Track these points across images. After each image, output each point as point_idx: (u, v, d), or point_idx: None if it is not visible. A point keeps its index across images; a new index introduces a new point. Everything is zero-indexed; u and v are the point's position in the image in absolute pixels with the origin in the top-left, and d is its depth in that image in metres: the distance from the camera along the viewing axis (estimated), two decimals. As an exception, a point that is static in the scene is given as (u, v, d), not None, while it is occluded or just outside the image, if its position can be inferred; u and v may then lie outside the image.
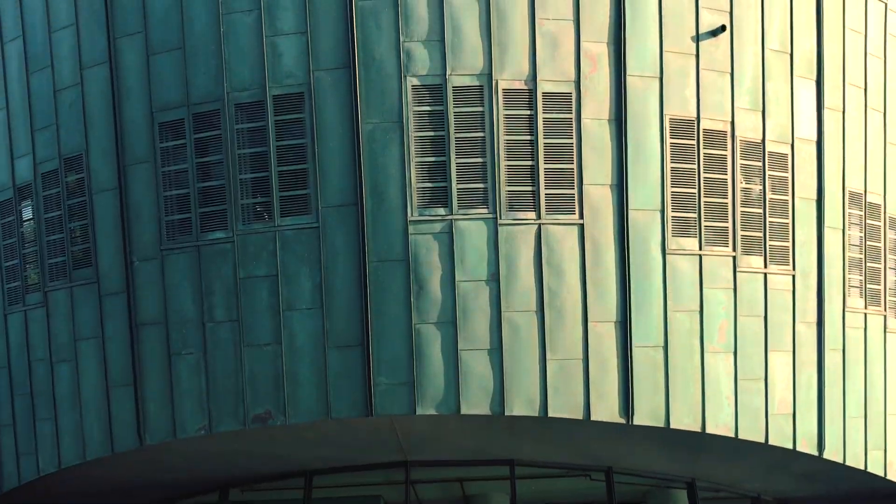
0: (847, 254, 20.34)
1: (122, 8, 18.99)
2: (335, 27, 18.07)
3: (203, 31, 18.48)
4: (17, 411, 21.03)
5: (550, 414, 18.26)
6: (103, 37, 19.14)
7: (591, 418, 18.32)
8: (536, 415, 18.25)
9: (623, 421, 18.46)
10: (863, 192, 20.73)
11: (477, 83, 18.11)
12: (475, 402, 18.18)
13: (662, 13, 18.59)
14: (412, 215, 18.06)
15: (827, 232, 19.96)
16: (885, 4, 21.15)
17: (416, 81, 18.03)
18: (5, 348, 21.20)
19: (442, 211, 18.04)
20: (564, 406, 18.33)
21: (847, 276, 20.26)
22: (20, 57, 20.26)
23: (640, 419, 18.54)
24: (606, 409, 18.43)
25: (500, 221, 18.11)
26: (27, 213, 20.46)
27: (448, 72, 18.07)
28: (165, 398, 18.94)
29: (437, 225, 18.13)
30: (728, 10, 19.02)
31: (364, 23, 18.01)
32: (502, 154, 18.03)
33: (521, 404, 18.21)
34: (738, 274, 19.08)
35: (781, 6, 19.51)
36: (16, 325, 20.91)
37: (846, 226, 20.28)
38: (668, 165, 18.60)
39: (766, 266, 19.36)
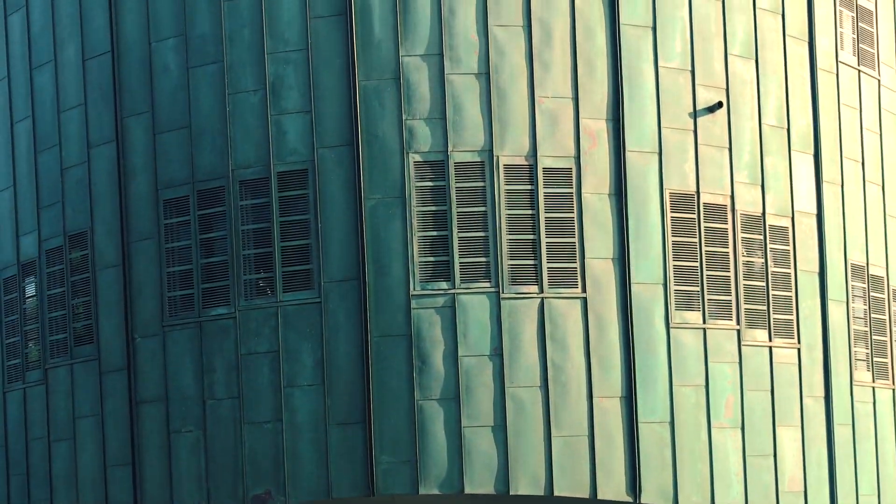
0: (852, 326, 19.30)
1: (131, 88, 18.27)
2: (339, 106, 17.30)
3: (209, 110, 17.73)
4: (12, 491, 19.86)
5: (556, 493, 17.03)
6: (111, 116, 18.39)
7: (598, 497, 17.09)
8: (542, 493, 17.03)
9: (630, 499, 17.19)
10: (865, 265, 19.73)
11: (478, 159, 17.27)
12: (479, 481, 16.97)
13: (660, 91, 17.85)
14: (414, 289, 17.06)
15: (831, 304, 18.92)
16: (878, 80, 20.43)
17: (418, 158, 17.20)
18: (3, 427, 20.10)
19: (444, 285, 17.05)
20: (570, 484, 17.09)
21: (853, 349, 19.18)
22: (29, 136, 19.48)
23: (647, 497, 17.30)
24: (613, 488, 17.20)
25: (502, 295, 17.11)
26: (30, 290, 19.50)
27: (450, 148, 17.25)
28: (164, 477, 17.74)
29: (439, 299, 17.11)
30: (724, 86, 18.27)
31: (367, 101, 17.26)
32: (504, 228, 17.11)
33: (527, 483, 17.00)
34: (742, 347, 17.99)
35: (777, 83, 18.77)
36: (14, 403, 19.83)
37: (850, 298, 19.24)
38: (670, 239, 17.65)
39: (770, 339, 18.27)
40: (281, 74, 17.46)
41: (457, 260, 17.08)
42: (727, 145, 18.23)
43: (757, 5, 18.64)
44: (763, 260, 18.35)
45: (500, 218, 17.11)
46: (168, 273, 17.83)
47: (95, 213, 18.52)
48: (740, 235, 18.19)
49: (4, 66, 19.98)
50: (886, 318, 20.04)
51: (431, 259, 17.10)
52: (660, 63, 17.88)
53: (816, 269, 18.88)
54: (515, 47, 17.36)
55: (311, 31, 17.41)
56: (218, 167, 17.58)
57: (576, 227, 17.31)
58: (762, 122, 18.57)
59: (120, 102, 18.29)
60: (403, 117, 17.21)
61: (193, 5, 17.79)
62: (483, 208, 17.16)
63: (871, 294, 19.81)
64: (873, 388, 19.57)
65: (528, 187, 17.27)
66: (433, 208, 17.14)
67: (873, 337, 19.76)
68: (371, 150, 17.17)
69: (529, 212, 17.25)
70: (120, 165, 18.21)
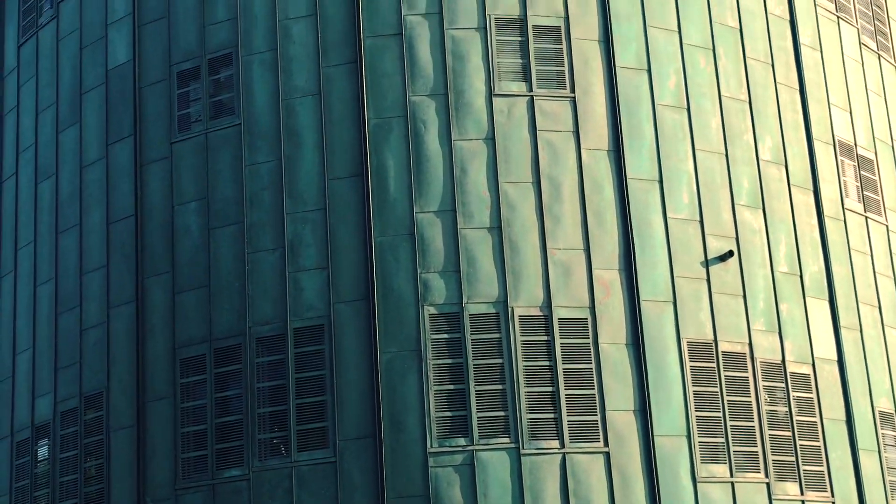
0: (887, 477, 16.94)
1: (152, 249, 16.71)
2: (355, 261, 15.67)
3: (228, 269, 16.11)
4: None
5: None
6: (132, 277, 16.77)
7: None
8: None
9: None
10: (893, 412, 17.53)
11: (493, 310, 15.45)
12: None
13: (670, 240, 16.16)
14: (432, 446, 14.91)
15: (862, 455, 16.64)
16: (886, 226, 18.70)
17: (433, 310, 15.40)
18: None
19: (462, 441, 14.92)
20: None
21: (890, 501, 16.75)
22: (51, 298, 17.80)
23: None
24: None
25: (522, 451, 14.92)
26: (42, 453, 17.42)
27: (464, 300, 15.47)
28: None
29: (457, 456, 14.93)
30: (734, 235, 16.58)
31: (383, 256, 15.62)
32: (522, 381, 15.12)
33: None
34: (773, 502, 15.59)
35: (786, 231, 17.08)
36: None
37: (882, 448, 16.98)
38: (691, 389, 15.56)
39: (802, 493, 15.88)
40: (299, 233, 15.93)
41: (475, 414, 14.99)
42: (741, 293, 16.39)
43: (760, 157, 17.17)
44: (787, 409, 16.18)
45: (517, 370, 15.15)
46: (182, 433, 15.78)
47: (112, 373, 16.64)
48: (762, 384, 16.07)
49: (32, 231, 18.51)
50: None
51: (449, 414, 15.02)
52: (668, 214, 16.28)
53: (843, 417, 16.65)
54: (526, 202, 15.85)
55: (329, 191, 15.97)
56: (235, 325, 15.83)
57: (595, 379, 15.30)
58: (774, 269, 16.78)
59: (141, 264, 16.71)
60: (418, 271, 15.54)
61: (216, 170, 16.46)
62: (500, 360, 15.22)
63: (904, 443, 17.54)
64: (917, 544, 17.11)
65: (545, 338, 15.38)
66: (449, 361, 15.21)
67: (911, 488, 17.42)
68: (386, 304, 15.42)
69: (547, 363, 15.29)
70: (139, 325, 16.46)
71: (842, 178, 18.08)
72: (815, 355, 16.65)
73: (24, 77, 19.31)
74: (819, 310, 16.97)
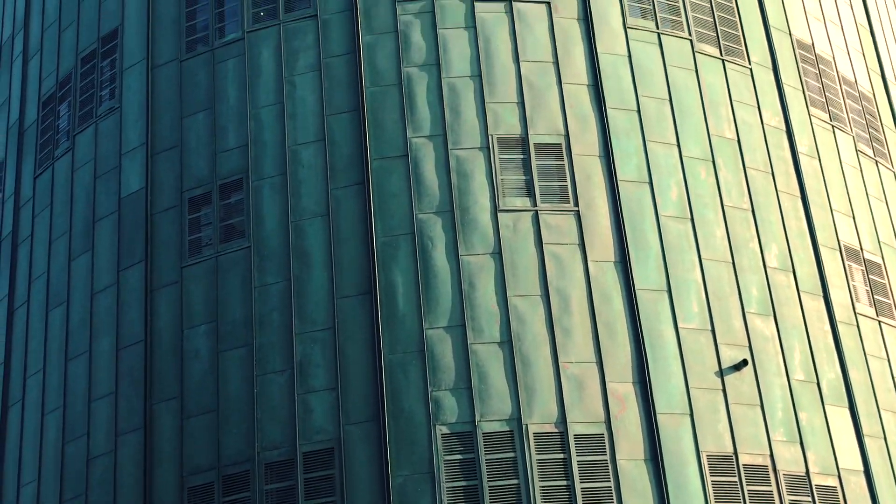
0: None
1: (161, 374, 15.52)
2: (365, 381, 14.44)
3: (237, 393, 14.88)
4: None
5: None
6: (140, 403, 15.52)
7: None
8: None
9: None
10: (928, 524, 15.98)
11: (507, 428, 14.11)
12: None
13: (683, 351, 14.93)
14: (448, 575, 13.45)
15: (900, 571, 15.08)
16: (898, 331, 17.50)
17: (445, 430, 14.06)
18: None
19: (480, 569, 13.43)
20: None
21: None
22: (58, 427, 16.48)
23: None
24: None
25: (542, 578, 13.43)
26: None
27: (477, 418, 14.16)
28: None
29: (475, 586, 13.44)
30: (747, 344, 15.35)
31: (392, 375, 14.40)
32: (539, 502, 13.68)
33: None
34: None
35: (799, 338, 15.83)
36: None
37: (919, 563, 15.38)
38: (714, 505, 14.13)
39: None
40: (308, 353, 14.76)
41: (492, 541, 13.56)
42: (759, 403, 15.04)
43: (767, 264, 16.09)
44: (817, 524, 14.69)
45: (534, 491, 13.71)
46: (188, 568, 14.33)
47: (119, 503, 15.24)
48: (787, 498, 14.56)
49: (41, 359, 17.34)
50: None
51: (464, 541, 13.59)
52: (679, 324, 15.11)
53: (876, 531, 15.14)
54: (535, 315, 14.72)
55: (338, 310, 14.88)
56: (244, 451, 14.48)
57: (614, 498, 13.85)
58: (790, 377, 15.47)
59: (150, 389, 15.49)
60: (429, 389, 14.28)
61: (226, 293, 15.42)
62: (515, 481, 13.81)
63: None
64: None
65: (561, 456, 13.99)
66: (464, 483, 13.79)
67: None
68: (398, 424, 14.11)
69: (564, 483, 13.86)
70: (146, 453, 15.10)
71: (851, 283, 16.94)
72: (839, 466, 15.15)
73: (39, 207, 18.55)
74: (840, 418, 15.57)
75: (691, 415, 14.58)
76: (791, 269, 16.33)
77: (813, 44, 18.80)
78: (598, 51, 16.40)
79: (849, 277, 16.89)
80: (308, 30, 16.49)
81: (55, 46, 19.35)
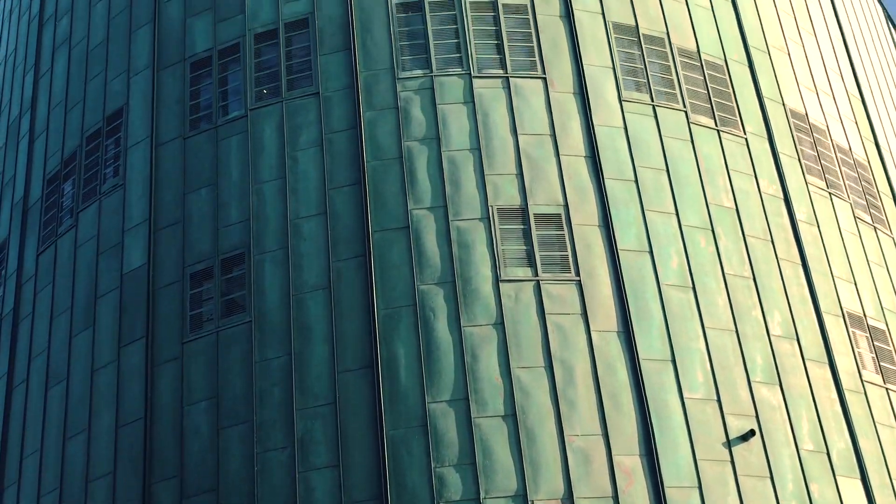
0: None
1: (161, 453, 14.68)
2: (367, 457, 13.62)
3: (237, 471, 14.03)
4: None
5: None
6: (139, 483, 14.63)
7: None
8: None
9: None
10: None
11: (513, 505, 13.30)
12: None
13: (689, 422, 14.14)
14: None
15: None
16: (905, 398, 16.67)
17: (449, 508, 13.25)
18: None
19: None
20: None
21: None
22: (54, 510, 15.70)
23: None
24: None
25: None
26: None
27: (482, 495, 13.30)
28: None
29: None
30: (753, 413, 14.55)
31: (395, 451, 13.59)
32: (547, 583, 12.76)
33: None
34: None
35: (806, 406, 15.01)
36: None
37: None
38: (728, 583, 13.14)
39: None
40: (309, 429, 13.97)
41: None
42: (768, 474, 14.17)
43: (771, 332, 15.39)
44: None
45: (541, 571, 12.81)
46: None
47: (115, 590, 14.31)
48: (802, 576, 13.67)
49: (38, 439, 16.50)
50: None
51: None
52: (685, 395, 14.34)
53: None
54: (539, 387, 13.96)
55: (340, 384, 14.14)
56: (243, 533, 13.61)
57: (624, 576, 12.93)
58: (799, 447, 14.63)
59: (149, 468, 14.64)
60: (432, 465, 13.46)
61: (226, 368, 14.70)
62: (522, 561, 12.91)
63: None
64: None
65: (568, 534, 13.12)
66: (469, 567, 12.90)
67: None
68: (401, 502, 13.25)
69: (572, 562, 12.97)
70: (144, 535, 14.25)
71: (856, 350, 16.19)
72: (855, 540, 14.29)
73: (41, 284, 17.94)
74: (852, 489, 14.67)
75: (700, 487, 13.73)
76: (795, 337, 15.63)
77: (806, 113, 18.44)
78: (595, 123, 16.02)
79: (853, 344, 16.16)
80: (310, 107, 16.13)
81: (61, 125, 19.01)
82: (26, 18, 21.45)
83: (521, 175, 15.36)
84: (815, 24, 20.10)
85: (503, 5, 16.61)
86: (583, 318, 14.51)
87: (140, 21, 18.30)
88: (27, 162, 19.49)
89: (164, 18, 17.92)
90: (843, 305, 16.43)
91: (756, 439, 14.37)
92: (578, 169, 15.62)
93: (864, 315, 16.77)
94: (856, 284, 17.03)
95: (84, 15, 19.61)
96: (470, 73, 16.05)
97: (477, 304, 14.38)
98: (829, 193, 17.83)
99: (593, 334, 14.43)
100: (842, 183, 18.27)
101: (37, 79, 20.13)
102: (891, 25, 25.54)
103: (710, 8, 18.16)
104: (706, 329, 14.97)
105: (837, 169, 18.33)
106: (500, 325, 14.29)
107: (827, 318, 16.04)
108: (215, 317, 15.20)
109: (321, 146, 15.66)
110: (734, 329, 15.14)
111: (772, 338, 15.36)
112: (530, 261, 14.82)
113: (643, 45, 16.86)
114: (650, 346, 14.54)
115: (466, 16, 16.49)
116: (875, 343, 16.66)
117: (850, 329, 16.32)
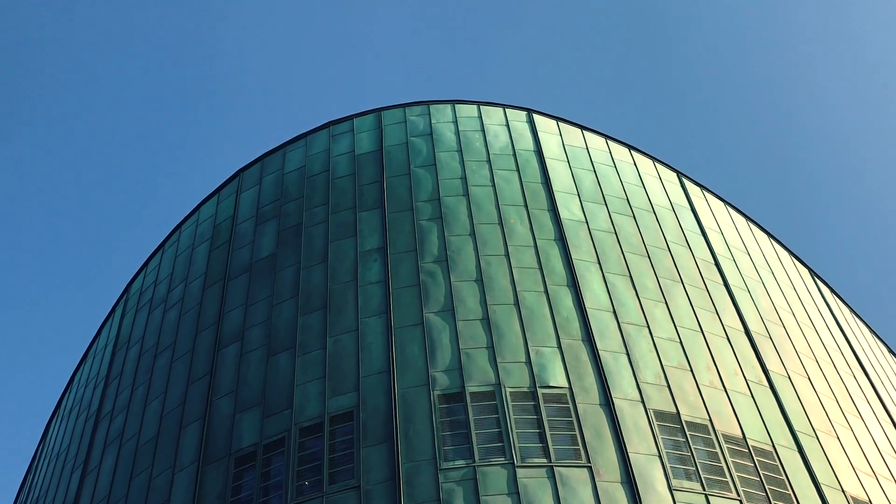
0: None
1: None
2: None
3: None
4: None
5: None
6: None
7: None
8: None
9: None
10: None
11: None
12: None
13: None
14: None
15: None
16: None
17: None
18: None
19: None
20: None
21: None
22: None
23: None
24: None
25: None
26: None
27: None
28: None
29: None
30: None
31: None
32: None
33: None
34: None
35: None
36: None
37: None
38: None
39: None
40: None
41: None
42: None
43: None
44: None
45: None
46: None
47: None
48: None
49: None
50: None
51: None
52: None
53: None
54: None
55: None
56: None
57: None
58: None
59: None
60: None
61: None
62: None
63: None
64: None
65: None
66: None
67: None
68: None
69: None
70: None
71: None
72: None
73: None
74: None
75: None
76: None
77: (869, 500, 17.61)
78: (646, 513, 15.37)
79: None
80: (350, 501, 15.87)
81: (104, 524, 18.72)
82: (84, 416, 22.06)
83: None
84: (858, 407, 19.98)
85: (543, 394, 16.97)
86: None
87: (191, 417, 18.81)
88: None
89: (214, 414, 18.46)
90: None
91: None
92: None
93: None
94: None
95: (139, 411, 20.23)
96: (513, 463, 15.91)
97: None
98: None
99: None
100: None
101: (84, 476, 20.28)
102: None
103: (749, 394, 18.32)
104: None
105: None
106: None
107: None
108: None
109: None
110: None
111: None
112: None
113: (687, 432, 16.79)
114: None
115: (507, 405, 16.78)
116: None
117: None
